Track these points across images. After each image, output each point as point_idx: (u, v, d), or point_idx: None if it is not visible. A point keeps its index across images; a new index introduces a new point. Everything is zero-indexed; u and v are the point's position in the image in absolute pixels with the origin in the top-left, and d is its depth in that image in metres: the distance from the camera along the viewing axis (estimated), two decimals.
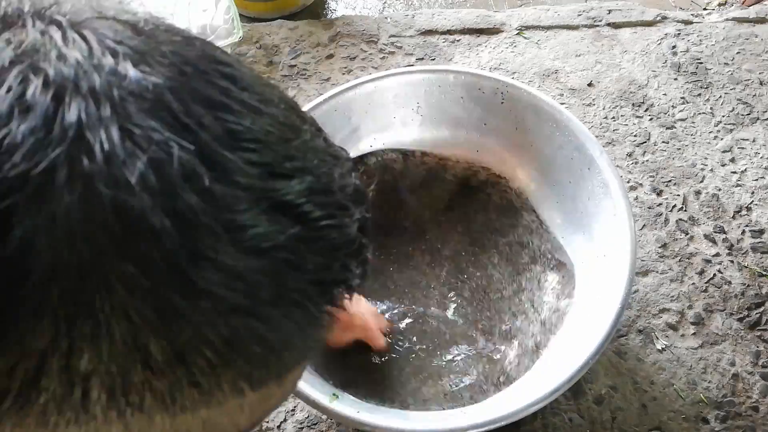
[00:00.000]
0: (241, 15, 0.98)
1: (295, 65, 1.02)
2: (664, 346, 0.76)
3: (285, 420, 0.71)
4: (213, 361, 0.20)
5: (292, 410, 0.72)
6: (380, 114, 0.79)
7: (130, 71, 0.19)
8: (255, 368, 0.22)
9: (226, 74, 0.22)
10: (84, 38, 0.19)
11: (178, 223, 0.18)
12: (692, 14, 1.10)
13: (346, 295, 0.24)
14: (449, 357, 0.72)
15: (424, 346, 0.73)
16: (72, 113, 0.18)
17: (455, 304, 0.76)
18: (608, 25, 1.08)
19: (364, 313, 0.70)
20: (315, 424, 0.71)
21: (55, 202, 0.17)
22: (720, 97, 0.98)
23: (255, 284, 0.20)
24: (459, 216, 0.82)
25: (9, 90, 0.18)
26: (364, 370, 0.70)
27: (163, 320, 0.19)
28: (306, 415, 0.71)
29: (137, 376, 0.19)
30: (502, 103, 0.75)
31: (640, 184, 0.89)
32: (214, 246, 0.19)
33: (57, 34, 0.19)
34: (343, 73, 1.01)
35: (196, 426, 0.21)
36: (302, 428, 0.71)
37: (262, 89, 0.23)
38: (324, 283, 0.22)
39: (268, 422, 0.71)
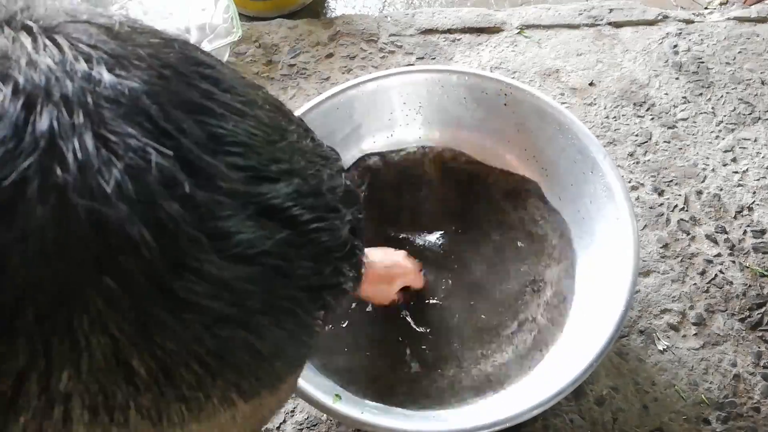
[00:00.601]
0: (240, 14, 0.97)
1: (294, 64, 1.02)
2: (665, 347, 0.75)
3: (284, 421, 0.71)
4: (200, 375, 0.19)
5: (292, 411, 0.71)
6: (382, 113, 0.79)
7: (105, 76, 0.18)
8: (245, 379, 0.21)
9: (207, 76, 0.21)
10: (56, 43, 0.18)
11: (158, 233, 0.17)
12: (693, 13, 1.10)
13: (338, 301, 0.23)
14: (450, 356, 0.71)
15: (426, 347, 0.72)
16: (43, 121, 0.17)
17: (457, 305, 0.75)
18: (609, 24, 1.07)
19: (396, 260, 0.69)
20: (314, 425, 0.70)
21: (27, 216, 0.16)
22: (721, 96, 0.98)
23: (243, 293, 0.19)
24: (459, 217, 0.81)
25: None
26: (365, 369, 0.70)
27: (146, 335, 0.18)
28: (306, 417, 0.71)
29: (121, 394, 0.18)
30: (505, 105, 0.75)
31: (642, 184, 0.89)
32: (197, 255, 0.18)
33: (27, 40, 0.18)
34: (343, 73, 1.01)
35: None
36: (302, 429, 0.70)
37: (245, 91, 0.22)
38: (315, 288, 0.22)
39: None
